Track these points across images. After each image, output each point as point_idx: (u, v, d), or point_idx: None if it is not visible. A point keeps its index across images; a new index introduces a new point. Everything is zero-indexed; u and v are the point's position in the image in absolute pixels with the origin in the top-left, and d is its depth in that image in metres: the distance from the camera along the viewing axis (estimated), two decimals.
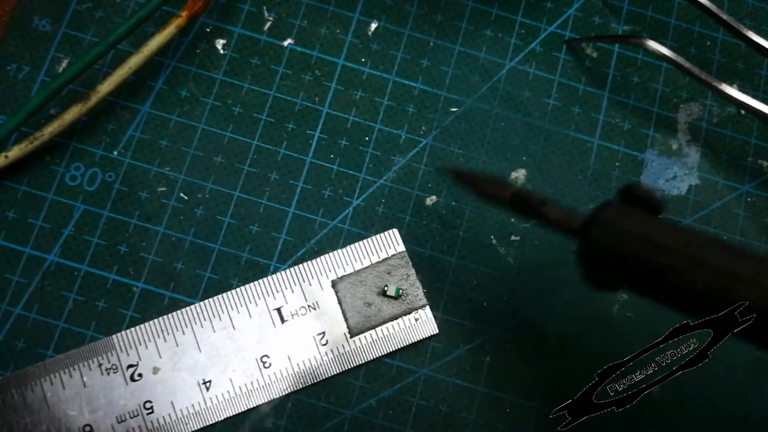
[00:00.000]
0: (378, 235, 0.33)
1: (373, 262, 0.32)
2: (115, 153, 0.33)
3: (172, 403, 0.30)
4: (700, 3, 0.34)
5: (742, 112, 0.36)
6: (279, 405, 0.31)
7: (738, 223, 0.34)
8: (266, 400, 0.31)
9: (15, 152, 0.31)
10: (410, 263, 0.33)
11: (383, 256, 0.33)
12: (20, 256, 0.32)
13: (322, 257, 0.32)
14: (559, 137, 0.35)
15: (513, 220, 0.34)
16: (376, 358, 0.32)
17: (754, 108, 0.32)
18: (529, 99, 0.35)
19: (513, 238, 0.34)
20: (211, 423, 0.30)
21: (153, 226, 0.33)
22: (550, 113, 0.35)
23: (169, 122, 0.34)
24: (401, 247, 0.33)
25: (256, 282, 0.32)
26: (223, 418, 0.30)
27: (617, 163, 0.35)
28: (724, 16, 0.33)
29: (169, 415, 0.30)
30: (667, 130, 0.35)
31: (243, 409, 0.31)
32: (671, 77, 0.36)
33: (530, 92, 0.35)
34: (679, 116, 0.36)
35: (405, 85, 0.35)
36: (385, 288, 0.32)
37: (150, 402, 0.30)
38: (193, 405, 0.30)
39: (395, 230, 0.33)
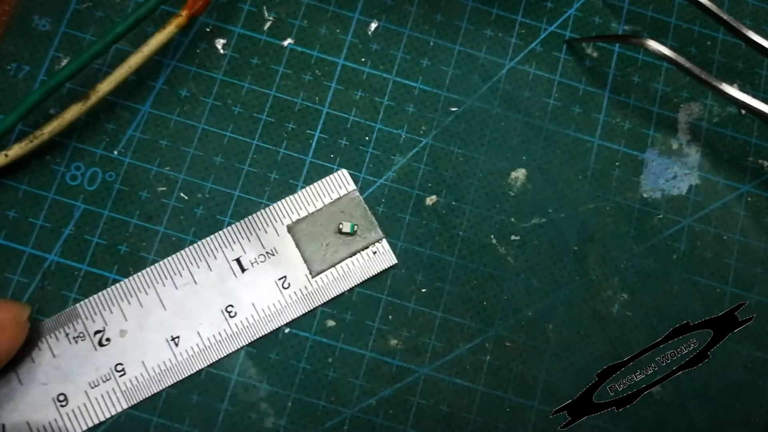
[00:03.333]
0: (328, 177, 0.33)
1: (326, 203, 0.33)
2: (116, 153, 0.33)
3: (143, 362, 0.31)
4: (701, 3, 0.34)
5: (743, 111, 0.36)
6: (279, 404, 0.31)
7: (738, 223, 0.34)
8: (236, 348, 0.31)
9: (15, 151, 0.31)
10: (363, 200, 0.33)
11: (335, 196, 0.33)
12: (21, 255, 0.32)
13: (274, 204, 0.33)
14: (559, 137, 0.35)
15: (513, 219, 0.34)
16: (340, 293, 0.32)
17: (755, 108, 0.32)
18: (529, 99, 0.35)
19: (513, 238, 0.34)
20: (184, 377, 0.31)
21: (153, 226, 0.33)
22: (550, 113, 0.35)
23: (169, 122, 0.34)
24: (351, 186, 0.33)
25: (210, 236, 0.32)
26: (195, 370, 0.31)
27: (617, 163, 0.35)
28: (725, 16, 0.33)
29: (141, 374, 0.30)
30: (668, 130, 0.35)
31: (215, 359, 0.31)
32: (671, 77, 0.36)
33: (530, 92, 0.35)
34: (680, 116, 0.36)
35: (405, 84, 0.35)
36: (341, 226, 0.32)
37: (121, 364, 0.30)
38: (164, 362, 0.31)
39: (344, 170, 0.33)
